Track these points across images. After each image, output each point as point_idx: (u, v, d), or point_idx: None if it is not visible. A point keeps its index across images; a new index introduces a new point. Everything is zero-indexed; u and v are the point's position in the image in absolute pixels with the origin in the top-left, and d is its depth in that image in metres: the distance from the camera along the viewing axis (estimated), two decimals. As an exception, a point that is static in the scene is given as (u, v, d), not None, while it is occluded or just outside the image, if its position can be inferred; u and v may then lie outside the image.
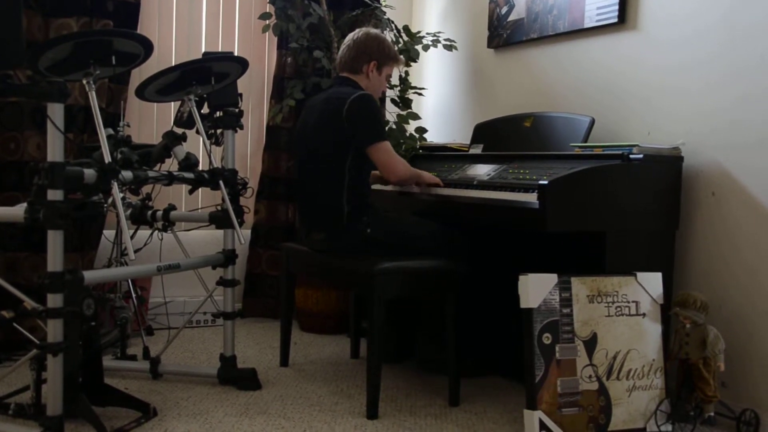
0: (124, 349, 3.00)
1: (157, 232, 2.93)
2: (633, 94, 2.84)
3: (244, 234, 3.14)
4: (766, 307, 2.35)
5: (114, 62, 2.18)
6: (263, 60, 4.09)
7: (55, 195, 2.01)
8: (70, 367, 2.12)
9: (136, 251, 2.78)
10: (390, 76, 2.93)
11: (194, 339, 3.50)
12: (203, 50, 3.91)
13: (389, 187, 3.04)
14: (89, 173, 2.08)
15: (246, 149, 4.08)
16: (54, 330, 2.05)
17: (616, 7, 2.86)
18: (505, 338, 2.92)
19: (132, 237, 3.11)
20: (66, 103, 2.07)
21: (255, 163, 4.07)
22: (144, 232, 3.11)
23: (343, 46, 2.88)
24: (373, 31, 2.88)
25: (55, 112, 2.02)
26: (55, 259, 2.04)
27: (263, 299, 3.97)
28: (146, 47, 2.26)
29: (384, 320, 2.46)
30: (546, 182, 2.27)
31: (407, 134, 3.67)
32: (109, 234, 3.41)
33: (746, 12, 2.40)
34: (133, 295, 3.30)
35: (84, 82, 2.13)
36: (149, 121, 3.83)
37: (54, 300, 2.04)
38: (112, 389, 2.39)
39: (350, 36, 2.88)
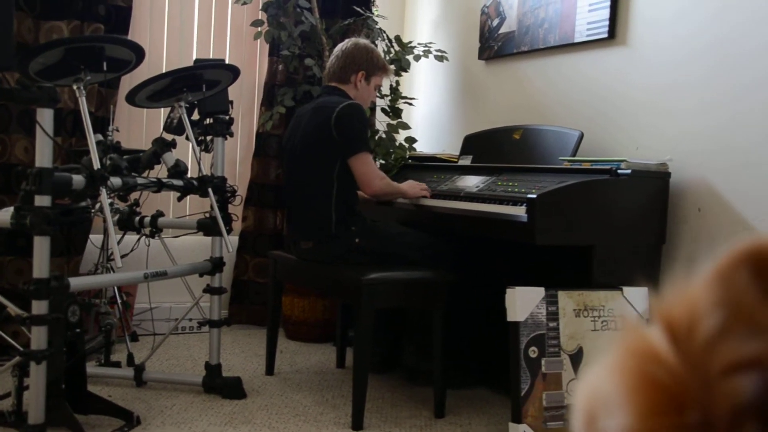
0: (109, 355, 2.98)
1: (144, 237, 2.92)
2: (622, 109, 2.86)
3: (232, 241, 3.13)
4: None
5: (105, 68, 2.18)
6: (254, 67, 4.09)
7: (42, 201, 1.99)
8: (54, 375, 2.11)
9: (122, 256, 2.75)
10: (379, 86, 2.94)
11: (179, 346, 3.49)
12: (194, 55, 3.90)
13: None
14: (78, 179, 2.07)
15: (235, 155, 4.07)
16: (38, 337, 2.04)
17: (607, 23, 2.88)
18: (492, 350, 2.92)
19: (119, 242, 3.09)
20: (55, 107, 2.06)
21: (244, 169, 4.06)
22: (131, 237, 3.09)
23: (332, 56, 2.89)
24: (362, 41, 2.89)
25: (45, 117, 2.01)
26: (41, 265, 2.03)
27: (250, 306, 3.96)
28: (138, 54, 2.25)
29: (371, 330, 2.46)
30: (535, 196, 2.28)
31: (397, 144, 3.67)
32: (95, 238, 3.39)
33: (735, 33, 2.43)
34: (119, 301, 3.27)
35: (74, 87, 2.12)
36: (139, 125, 3.81)
37: (39, 307, 2.03)
38: (96, 397, 2.37)
39: (339, 46, 2.89)
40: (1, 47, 1.90)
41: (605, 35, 2.88)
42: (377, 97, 3.13)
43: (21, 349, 2.09)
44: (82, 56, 2.13)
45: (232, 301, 3.94)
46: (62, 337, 2.13)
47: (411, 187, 2.84)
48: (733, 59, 2.43)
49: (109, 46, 2.17)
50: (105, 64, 2.17)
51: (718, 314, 0.35)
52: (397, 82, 3.89)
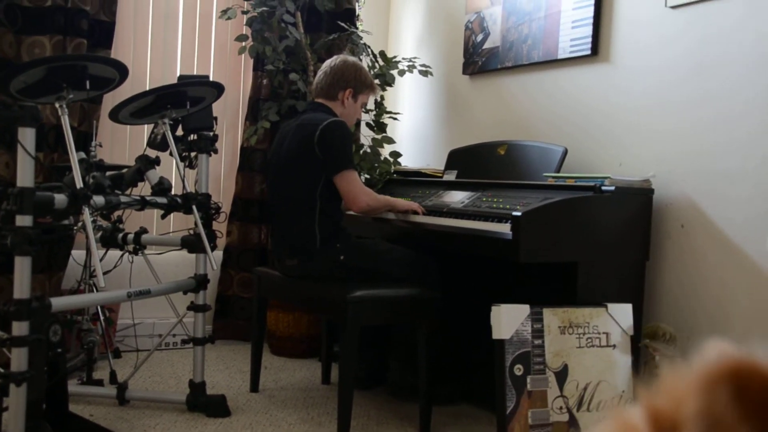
0: (91, 373, 2.95)
1: (127, 254, 2.89)
2: (605, 125, 2.88)
3: (216, 256, 3.12)
4: (734, 338, 2.38)
5: (88, 86, 2.16)
6: (239, 81, 4.08)
7: (23, 221, 1.97)
8: (34, 395, 2.07)
9: (105, 273, 2.73)
10: (365, 104, 2.95)
11: (163, 362, 3.45)
12: (178, 70, 3.89)
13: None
14: (60, 198, 2.05)
15: (219, 170, 4.05)
16: (18, 359, 2.01)
17: (590, 39, 2.90)
18: (478, 366, 2.92)
19: (101, 259, 3.06)
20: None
21: (228, 184, 4.05)
22: (114, 254, 3.06)
23: (319, 72, 2.88)
24: (351, 58, 2.89)
25: (26, 136, 1.99)
26: (22, 285, 2.00)
27: (234, 321, 3.93)
28: (121, 72, 2.24)
29: (356, 348, 2.45)
30: (519, 213, 2.28)
31: (382, 158, 3.68)
32: (77, 254, 3.36)
33: (714, 48, 2.46)
34: (101, 318, 3.24)
35: (57, 105, 2.10)
36: (122, 141, 3.79)
37: (19, 328, 2.00)
38: (77, 417, 2.34)
39: (327, 62, 2.89)
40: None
41: (588, 52, 2.91)
42: (361, 115, 3.13)
43: (1, 370, 2.05)
44: (64, 74, 2.11)
45: (217, 316, 3.91)
46: (43, 357, 2.10)
47: (404, 202, 2.83)
48: (718, 84, 2.45)
49: (92, 65, 2.15)
50: (88, 82, 2.15)
51: (699, 425, 0.37)
52: (382, 97, 3.90)
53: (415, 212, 2.80)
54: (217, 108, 3.10)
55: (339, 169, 2.64)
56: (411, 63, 3.79)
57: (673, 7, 2.59)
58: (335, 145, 2.64)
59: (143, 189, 2.57)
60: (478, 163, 3.16)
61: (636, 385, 2.34)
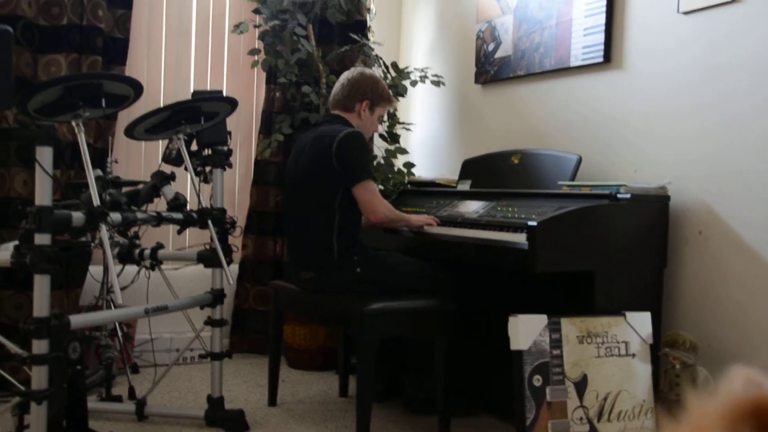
0: (110, 389, 2.96)
1: (144, 270, 2.90)
2: (619, 132, 2.87)
3: (232, 269, 3.12)
4: (756, 344, 2.36)
5: (104, 104, 2.18)
6: (252, 95, 4.10)
7: (42, 239, 1.99)
8: (54, 413, 2.09)
9: (122, 289, 2.75)
10: (382, 117, 2.95)
11: (180, 377, 3.46)
12: (192, 85, 3.92)
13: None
14: (77, 216, 2.06)
15: (234, 184, 4.07)
16: (38, 377, 2.02)
17: (602, 47, 2.89)
18: (497, 376, 2.90)
19: (118, 275, 3.08)
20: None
21: (243, 197, 4.06)
22: (131, 269, 3.08)
23: (336, 84, 2.89)
24: (368, 71, 2.90)
25: (44, 155, 2.01)
26: (41, 303, 2.02)
27: (251, 335, 3.94)
28: (136, 89, 2.25)
29: (374, 362, 2.44)
30: (535, 223, 2.27)
31: (395, 169, 3.68)
32: (95, 270, 3.38)
33: (726, 52, 2.44)
34: (119, 333, 3.26)
35: (73, 124, 2.12)
36: (137, 156, 3.81)
37: (39, 346, 2.01)
38: (98, 434, 2.35)
39: (345, 74, 2.90)
40: (1, 88, 1.90)
41: (601, 59, 2.90)
42: (378, 128, 3.13)
43: (22, 388, 2.07)
44: (80, 93, 2.13)
45: (233, 330, 3.92)
46: (63, 375, 2.11)
47: (418, 217, 2.83)
48: (731, 87, 2.44)
49: (108, 83, 2.17)
50: (104, 100, 2.17)
51: None
52: (395, 108, 3.90)
53: (430, 224, 2.80)
54: (231, 122, 3.11)
55: (358, 179, 2.64)
56: (423, 73, 3.79)
57: (686, 13, 2.58)
58: (353, 156, 2.65)
59: (159, 205, 2.58)
60: (492, 173, 3.16)
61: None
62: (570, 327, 2.25)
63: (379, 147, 3.87)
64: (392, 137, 3.82)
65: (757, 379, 0.39)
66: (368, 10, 4.13)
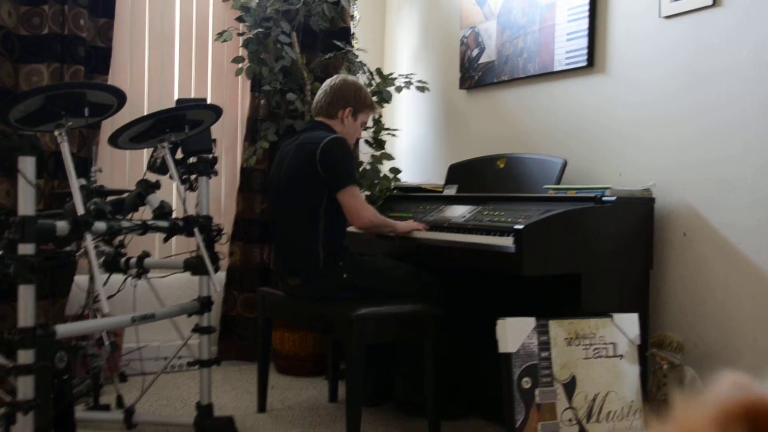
0: (97, 398, 2.93)
1: (130, 278, 2.88)
2: (604, 135, 2.89)
3: (219, 277, 3.11)
4: (740, 344, 2.38)
5: (87, 114, 2.17)
6: (236, 102, 4.09)
7: (26, 249, 1.97)
8: (41, 423, 2.06)
9: (109, 298, 2.72)
10: (365, 123, 2.96)
11: (168, 385, 3.44)
12: (176, 93, 3.90)
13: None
14: (61, 226, 2.05)
15: (220, 191, 4.06)
16: (25, 387, 2.00)
17: (585, 51, 2.92)
18: (486, 379, 2.91)
19: (104, 284, 3.05)
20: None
21: (229, 204, 4.05)
22: (117, 278, 3.05)
23: (319, 91, 2.90)
24: (351, 78, 2.91)
25: (27, 165, 1.99)
26: (26, 313, 2.00)
27: (239, 342, 3.92)
28: (119, 98, 2.25)
29: (362, 367, 2.44)
30: (522, 226, 2.28)
31: (381, 175, 3.68)
32: (81, 279, 3.35)
33: (710, 58, 2.47)
34: (106, 342, 3.23)
35: (56, 133, 2.11)
36: (121, 165, 3.79)
37: (25, 356, 1.99)
38: (85, 444, 2.33)
39: (328, 81, 2.91)
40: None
41: (584, 63, 2.92)
42: (361, 134, 3.14)
43: (8, 398, 2.05)
44: (63, 103, 2.12)
45: (221, 337, 3.91)
46: (50, 385, 2.09)
47: (404, 224, 2.83)
48: (715, 93, 2.46)
49: (91, 92, 2.16)
50: (87, 109, 2.16)
51: None
52: (380, 114, 3.91)
53: (417, 230, 2.80)
54: (216, 129, 3.10)
55: (342, 185, 2.65)
56: (407, 79, 3.81)
57: (667, 17, 2.61)
58: (337, 162, 2.65)
59: (144, 213, 2.57)
60: (478, 177, 3.17)
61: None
62: (558, 329, 2.26)
63: (365, 153, 3.88)
64: (378, 143, 3.83)
65: (745, 383, 0.39)
66: (352, 17, 4.15)
